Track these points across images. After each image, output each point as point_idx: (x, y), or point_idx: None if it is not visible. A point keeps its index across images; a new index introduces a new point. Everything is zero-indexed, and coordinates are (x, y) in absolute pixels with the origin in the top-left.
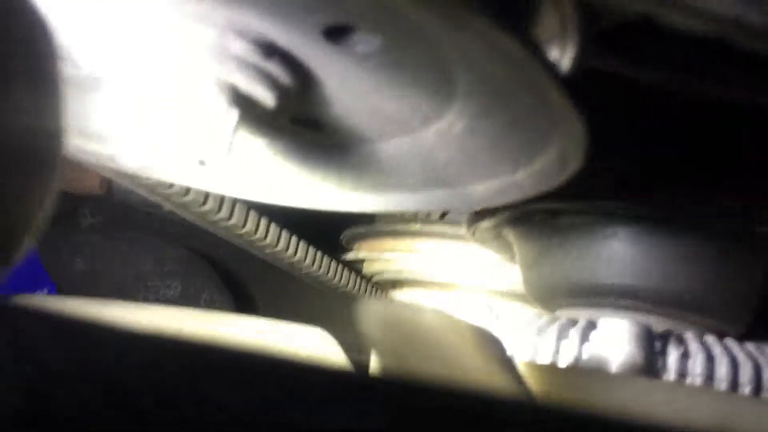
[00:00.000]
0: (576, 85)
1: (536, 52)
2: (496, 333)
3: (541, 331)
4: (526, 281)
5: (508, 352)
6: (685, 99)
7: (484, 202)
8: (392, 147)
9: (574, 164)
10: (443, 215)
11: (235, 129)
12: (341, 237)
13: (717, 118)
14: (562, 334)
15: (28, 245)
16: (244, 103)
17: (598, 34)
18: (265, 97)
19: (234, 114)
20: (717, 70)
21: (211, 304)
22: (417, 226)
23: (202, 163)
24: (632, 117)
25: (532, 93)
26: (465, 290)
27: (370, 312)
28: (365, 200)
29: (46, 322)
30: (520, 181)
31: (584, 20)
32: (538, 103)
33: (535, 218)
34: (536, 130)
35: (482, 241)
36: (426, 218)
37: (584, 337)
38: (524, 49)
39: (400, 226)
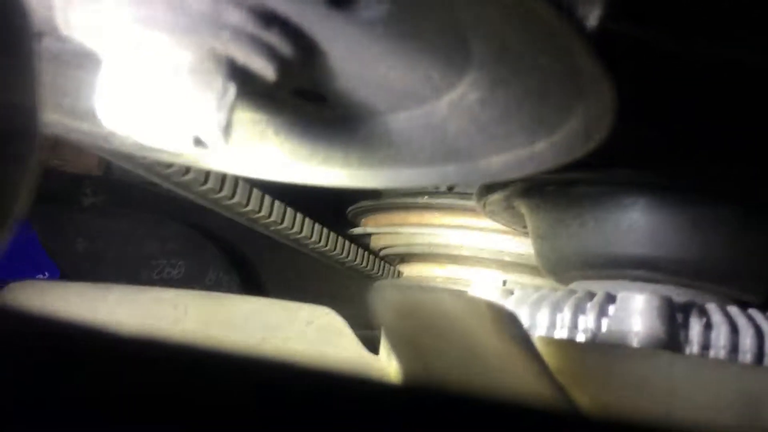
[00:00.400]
0: (598, 49)
1: (562, 8)
2: (512, 309)
3: (557, 305)
4: (539, 253)
5: (525, 329)
6: (704, 65)
7: (500, 175)
8: (401, 120)
9: (599, 135)
10: (451, 187)
11: (233, 104)
12: (347, 212)
13: (737, 85)
14: (579, 309)
15: (9, 229)
16: (241, 77)
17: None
18: (265, 69)
19: (231, 88)
20: (735, 35)
21: (216, 284)
22: (425, 199)
23: (198, 141)
24: (651, 84)
25: (556, 57)
26: (476, 263)
27: (386, 298)
28: (373, 176)
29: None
30: (539, 153)
31: None
32: (561, 70)
33: (548, 188)
34: (557, 98)
35: (493, 214)
36: (434, 191)
37: (602, 311)
38: (549, 5)
39: (407, 200)
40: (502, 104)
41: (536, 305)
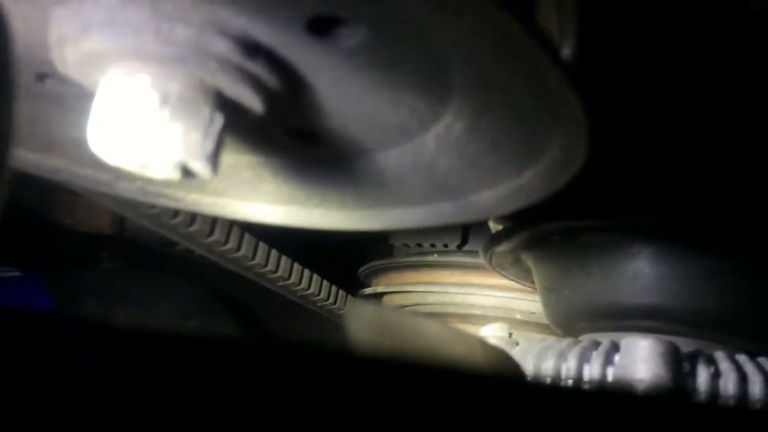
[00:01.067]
0: (593, 98)
1: (533, 31)
2: (514, 356)
3: (561, 354)
4: (546, 306)
5: (520, 367)
6: (712, 110)
7: (491, 210)
8: (393, 158)
9: (578, 158)
10: (461, 245)
11: (221, 134)
12: (359, 272)
13: (744, 130)
14: (584, 357)
15: None
16: (229, 108)
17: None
18: (252, 100)
19: (219, 118)
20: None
21: None
22: (434, 258)
23: (186, 171)
24: (655, 129)
25: (529, 81)
26: (487, 321)
27: (364, 316)
28: (369, 217)
29: None
30: (527, 183)
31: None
32: (537, 93)
33: (553, 239)
34: (538, 125)
35: (500, 267)
36: (444, 249)
37: (608, 360)
38: (520, 28)
39: (417, 258)
40: (488, 134)
41: (541, 355)
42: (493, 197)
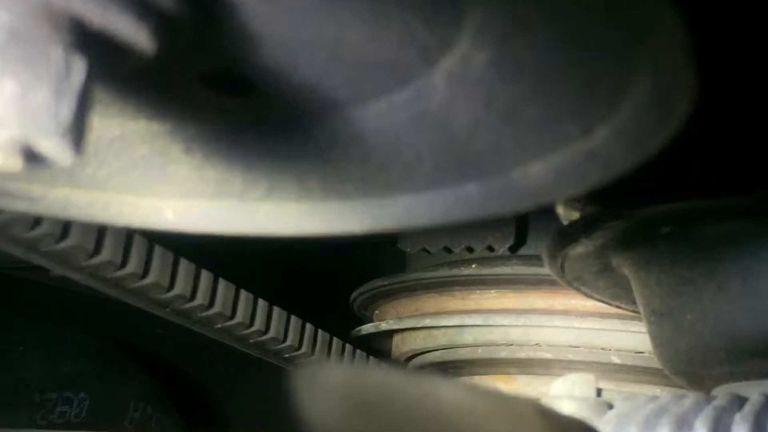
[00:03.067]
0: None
1: None
2: (605, 429)
3: (683, 421)
4: (656, 340)
5: None
6: None
7: (546, 191)
8: (380, 114)
9: (683, 103)
10: (516, 247)
11: (84, 90)
12: (352, 299)
13: None
14: (720, 424)
15: None
16: (99, 48)
17: None
18: (135, 31)
19: (79, 65)
20: None
21: (143, 423)
22: (473, 268)
23: (30, 154)
24: None
25: None
26: (564, 369)
27: (331, 386)
28: (347, 214)
29: None
30: (600, 146)
31: None
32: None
33: (662, 231)
34: (610, 51)
35: (579, 281)
36: (486, 254)
37: (760, 426)
38: None
39: (444, 272)
40: (528, 69)
41: (650, 423)
42: (548, 171)
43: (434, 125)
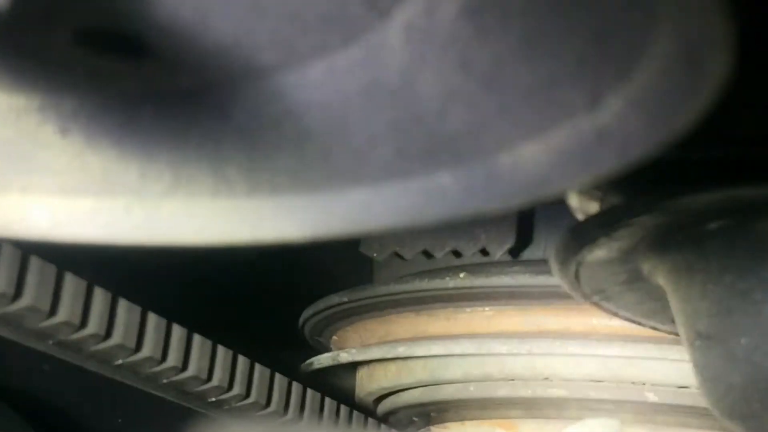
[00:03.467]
0: None
1: None
2: None
3: None
4: (702, 372)
5: None
6: None
7: (543, 184)
8: (319, 83)
9: (719, 59)
10: (517, 249)
11: None
12: (301, 322)
13: None
14: None
15: None
16: None
17: None
18: None
19: None
20: None
21: None
22: (461, 279)
23: None
24: None
25: None
26: (584, 412)
27: None
28: (280, 215)
29: None
30: (610, 123)
31: None
32: None
33: (710, 225)
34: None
35: (600, 295)
36: (481, 260)
37: None
38: None
39: (423, 283)
40: (514, 21)
41: None
42: (544, 155)
43: (392, 97)
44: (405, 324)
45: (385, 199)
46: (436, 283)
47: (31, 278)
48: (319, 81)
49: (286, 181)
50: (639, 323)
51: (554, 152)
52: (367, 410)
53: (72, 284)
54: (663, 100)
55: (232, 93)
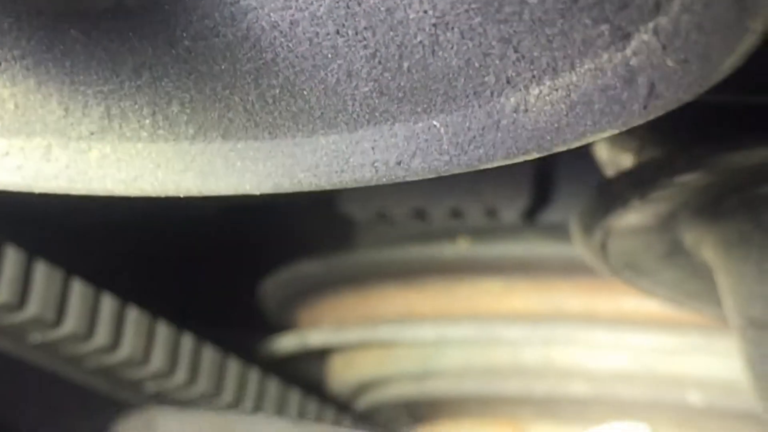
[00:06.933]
0: None
1: None
2: None
3: None
4: (756, 367)
5: None
6: None
7: (556, 133)
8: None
9: None
10: (532, 211)
11: None
12: (261, 294)
13: None
14: None
15: None
16: None
17: None
18: None
19: None
20: None
21: None
22: (462, 246)
23: None
24: None
25: None
26: (610, 415)
27: None
28: (235, 164)
29: None
30: (639, 59)
31: None
32: None
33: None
34: None
35: (632, 270)
36: (488, 223)
37: None
38: None
39: (415, 250)
40: None
41: None
42: (558, 97)
43: (372, 20)
44: (391, 300)
45: (363, 148)
46: (430, 250)
47: None
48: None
49: (241, 123)
50: (679, 306)
51: (570, 95)
52: (342, 405)
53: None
54: (701, 32)
55: (176, 10)
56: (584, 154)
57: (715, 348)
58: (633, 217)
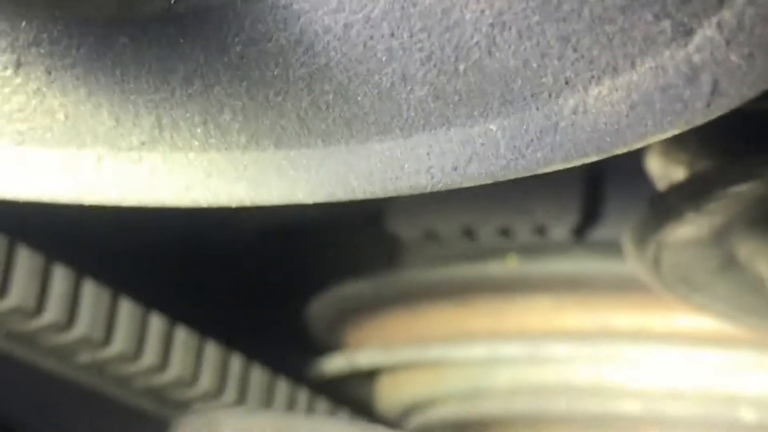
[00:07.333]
0: None
1: None
2: None
3: None
4: None
5: None
6: None
7: (616, 136)
8: (338, 2)
9: None
10: (581, 228)
11: None
12: (307, 315)
13: None
14: None
15: None
16: None
17: None
18: None
19: None
20: None
21: None
22: (511, 264)
23: None
24: None
25: None
26: (650, 431)
27: None
28: (287, 172)
29: None
30: (701, 58)
31: None
32: None
33: None
34: None
35: (685, 285)
36: (537, 239)
37: None
38: None
39: (463, 269)
40: None
41: None
42: (619, 98)
43: (428, 22)
44: (439, 319)
45: (418, 154)
46: (480, 269)
47: None
48: (336, 1)
49: (294, 130)
50: (733, 321)
51: (631, 94)
52: (391, 425)
53: (26, 259)
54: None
55: (228, 17)
56: (634, 169)
57: None
58: (687, 229)
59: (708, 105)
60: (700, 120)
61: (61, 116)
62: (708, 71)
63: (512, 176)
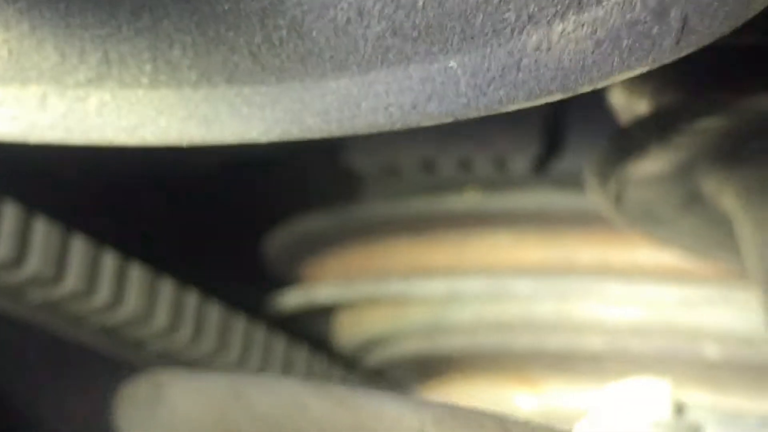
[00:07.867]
0: None
1: None
2: None
3: None
4: None
5: None
6: None
7: (580, 73)
8: None
9: None
10: (543, 161)
11: None
12: (265, 249)
13: None
14: None
15: None
16: None
17: None
18: None
19: None
20: None
21: None
22: (472, 198)
23: None
24: None
25: None
26: (612, 368)
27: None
28: (241, 110)
29: None
30: None
31: None
32: None
33: None
34: None
35: (648, 220)
36: (498, 174)
37: None
38: None
39: (424, 203)
40: None
41: None
42: (584, 34)
43: None
44: (399, 254)
45: (376, 91)
46: (440, 202)
47: None
48: None
49: (247, 67)
50: (697, 257)
51: (596, 31)
52: (351, 362)
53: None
54: None
55: None
56: (596, 100)
57: (733, 300)
58: (650, 164)
59: (677, 42)
60: (668, 58)
61: (4, 52)
62: (677, 6)
63: (473, 115)
